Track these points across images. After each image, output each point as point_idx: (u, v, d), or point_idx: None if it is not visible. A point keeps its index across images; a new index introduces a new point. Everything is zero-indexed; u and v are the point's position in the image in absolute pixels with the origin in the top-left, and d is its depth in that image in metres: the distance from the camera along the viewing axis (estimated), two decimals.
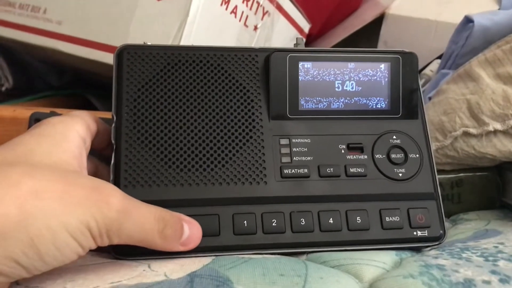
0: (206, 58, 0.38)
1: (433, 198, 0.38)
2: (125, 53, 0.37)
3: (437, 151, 0.48)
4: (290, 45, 0.71)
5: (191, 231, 0.31)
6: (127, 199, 0.29)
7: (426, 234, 0.36)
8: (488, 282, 0.27)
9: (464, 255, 0.31)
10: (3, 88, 0.73)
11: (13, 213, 0.24)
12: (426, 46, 0.75)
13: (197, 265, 0.29)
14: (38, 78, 0.80)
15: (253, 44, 0.61)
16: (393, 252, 0.34)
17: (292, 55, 0.38)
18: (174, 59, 0.37)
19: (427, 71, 0.68)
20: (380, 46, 0.82)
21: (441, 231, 0.36)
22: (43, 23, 0.62)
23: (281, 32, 0.66)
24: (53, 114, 0.45)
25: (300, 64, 0.39)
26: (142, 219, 0.29)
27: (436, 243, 0.36)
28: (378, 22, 0.83)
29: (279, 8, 0.64)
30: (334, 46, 0.86)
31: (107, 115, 0.47)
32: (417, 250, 0.37)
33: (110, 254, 0.33)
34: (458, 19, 0.59)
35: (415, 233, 0.36)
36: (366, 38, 0.87)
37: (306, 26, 0.72)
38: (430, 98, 0.57)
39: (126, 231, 0.28)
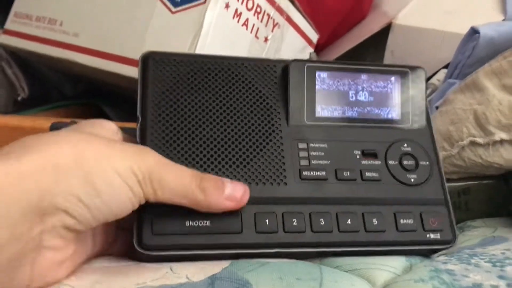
0: (228, 67, 0.39)
1: (444, 203, 0.39)
2: (150, 58, 0.38)
3: (444, 160, 0.49)
4: (299, 55, 0.72)
5: (233, 186, 0.33)
6: (163, 157, 0.32)
7: (439, 237, 0.37)
8: (496, 287, 0.28)
9: (472, 261, 0.33)
10: (19, 98, 0.75)
11: (67, 152, 0.28)
12: (433, 56, 0.76)
13: (217, 268, 0.31)
14: (53, 88, 0.82)
15: (263, 55, 0.62)
16: (403, 258, 0.36)
17: (309, 65, 0.40)
18: (196, 66, 0.39)
19: (434, 80, 0.70)
20: (387, 56, 0.83)
21: (452, 235, 0.38)
22: (60, 35, 0.64)
23: (291, 43, 0.67)
24: (73, 123, 0.46)
25: (317, 73, 0.40)
26: (179, 172, 0.31)
27: (449, 246, 0.38)
28: (384, 32, 0.84)
29: (289, 20, 0.65)
30: (341, 56, 0.87)
31: (121, 124, 0.49)
32: (427, 255, 0.38)
33: (132, 257, 0.34)
34: (464, 29, 0.61)
35: (428, 235, 0.37)
36: (373, 47, 0.88)
37: (314, 37, 0.73)
38: (437, 108, 0.58)
39: (167, 182, 0.30)
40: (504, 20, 0.74)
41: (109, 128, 0.35)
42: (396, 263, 0.34)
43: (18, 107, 0.75)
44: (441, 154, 0.49)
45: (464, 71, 0.61)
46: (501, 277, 0.30)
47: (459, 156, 0.48)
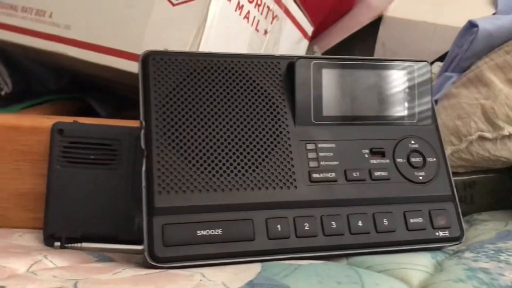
0: (231, 65, 0.38)
1: (451, 200, 0.40)
2: (150, 59, 0.37)
3: (452, 155, 0.49)
4: (295, 48, 0.72)
5: None
6: None
7: (448, 235, 0.38)
8: None
9: (501, 257, 0.33)
10: (2, 93, 0.72)
11: None
12: (424, 48, 0.76)
13: (251, 274, 0.30)
14: (36, 81, 0.79)
15: (263, 49, 0.61)
16: (428, 255, 0.36)
17: (316, 62, 0.40)
18: (199, 65, 0.38)
19: None
20: (378, 48, 0.83)
21: (460, 232, 0.38)
22: (49, 27, 0.61)
23: (288, 36, 0.66)
24: (76, 124, 0.44)
25: (324, 70, 0.40)
26: None
27: (457, 242, 0.38)
28: (373, 24, 0.85)
29: (287, 12, 0.64)
30: (331, 48, 0.87)
31: (109, 122, 0.47)
32: (437, 249, 0.38)
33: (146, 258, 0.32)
34: (456, 22, 0.61)
35: (437, 233, 0.38)
36: (361, 40, 0.89)
37: (310, 29, 0.72)
38: (436, 101, 0.59)
39: None
40: (495, 13, 0.75)
41: None
42: (425, 261, 0.34)
43: (1, 102, 0.72)
44: (449, 149, 0.49)
45: (461, 64, 0.61)
46: None
47: (467, 150, 0.48)
